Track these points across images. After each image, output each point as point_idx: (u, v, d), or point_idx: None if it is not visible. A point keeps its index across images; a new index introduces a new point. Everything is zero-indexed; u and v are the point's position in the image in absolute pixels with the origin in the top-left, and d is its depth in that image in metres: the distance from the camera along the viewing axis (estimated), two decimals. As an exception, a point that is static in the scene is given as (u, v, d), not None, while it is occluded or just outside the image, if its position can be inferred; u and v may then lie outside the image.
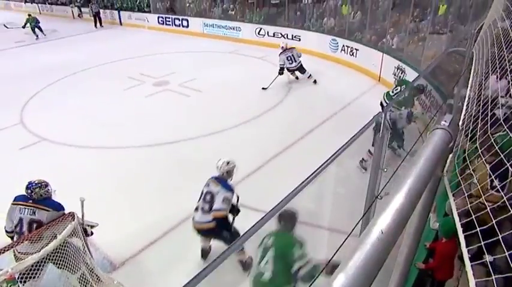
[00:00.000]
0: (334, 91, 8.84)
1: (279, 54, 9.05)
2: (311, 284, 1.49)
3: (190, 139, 6.77)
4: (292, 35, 12.29)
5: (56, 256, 3.14)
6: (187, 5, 16.31)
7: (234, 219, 3.98)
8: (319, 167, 1.31)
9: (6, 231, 3.46)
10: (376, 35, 10.33)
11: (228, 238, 3.87)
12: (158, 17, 16.76)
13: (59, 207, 3.44)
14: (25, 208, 3.33)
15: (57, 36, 17.78)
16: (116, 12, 19.20)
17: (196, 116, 7.77)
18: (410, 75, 7.85)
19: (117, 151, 6.59)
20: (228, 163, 4.06)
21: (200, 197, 3.99)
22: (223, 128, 7.10)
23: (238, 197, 4.05)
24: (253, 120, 7.44)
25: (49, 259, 3.10)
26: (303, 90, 9.03)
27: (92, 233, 3.75)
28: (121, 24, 18.84)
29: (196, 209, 3.97)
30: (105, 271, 3.86)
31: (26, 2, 27.49)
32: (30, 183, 3.40)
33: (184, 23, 15.59)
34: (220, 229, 3.88)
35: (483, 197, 1.30)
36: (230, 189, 3.92)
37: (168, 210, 4.87)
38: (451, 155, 1.30)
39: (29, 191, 3.36)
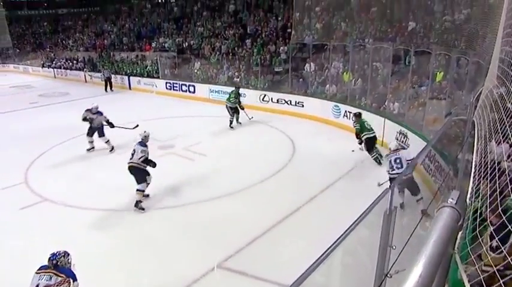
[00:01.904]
0: (338, 156, 8.83)
1: None
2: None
3: (192, 203, 6.70)
4: (296, 101, 12.64)
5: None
6: (195, 71, 17.05)
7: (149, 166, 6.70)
8: (328, 248, 1.26)
9: None
10: (377, 101, 10.63)
11: (143, 177, 6.64)
12: (166, 83, 17.47)
13: (73, 277, 3.62)
14: (44, 274, 3.55)
15: (69, 99, 18.44)
16: (126, 77, 20.10)
17: (200, 180, 7.74)
18: (413, 139, 7.94)
19: (117, 214, 6.50)
20: (144, 131, 7.01)
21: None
22: (226, 192, 7.05)
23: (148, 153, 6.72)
24: (258, 185, 7.38)
25: None
26: (308, 155, 9.07)
27: None
28: (130, 88, 19.58)
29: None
30: None
31: (43, 67, 28.96)
32: (53, 254, 3.67)
33: (191, 88, 16.21)
34: (139, 169, 6.61)
35: (483, 262, 1.24)
36: (144, 145, 6.75)
37: (167, 277, 4.70)
38: (460, 233, 1.25)
39: (54, 261, 3.62)
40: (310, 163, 8.68)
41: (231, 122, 11.50)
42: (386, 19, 12.73)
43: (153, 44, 21.72)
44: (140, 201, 6.56)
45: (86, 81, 23.55)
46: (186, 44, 19.72)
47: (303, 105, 12.42)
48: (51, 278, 3.53)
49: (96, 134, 9.66)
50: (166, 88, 17.44)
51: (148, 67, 19.38)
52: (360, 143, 8.56)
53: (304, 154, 9.12)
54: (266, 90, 13.80)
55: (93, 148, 9.80)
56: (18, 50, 35.13)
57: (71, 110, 15.29)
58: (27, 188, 7.70)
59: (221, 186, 7.34)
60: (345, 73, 12.16)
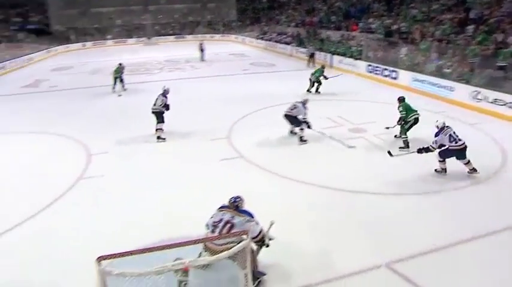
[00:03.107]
0: None
1: None
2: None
3: (367, 193, 6.60)
4: (519, 105, 10.66)
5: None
6: (401, 56, 16.17)
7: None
8: None
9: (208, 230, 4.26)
10: None
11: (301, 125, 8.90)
12: (368, 65, 17.19)
13: (250, 215, 4.25)
14: (227, 212, 4.19)
15: (275, 70, 20.35)
16: (329, 55, 20.67)
17: (385, 172, 7.51)
18: None
19: (295, 185, 6.96)
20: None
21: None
22: (410, 191, 6.69)
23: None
24: (451, 192, 6.65)
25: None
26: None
27: (268, 245, 4.31)
28: (331, 66, 20.14)
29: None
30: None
31: (257, 38, 32.54)
32: (234, 197, 4.34)
33: (393, 74, 15.49)
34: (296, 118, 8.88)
35: None
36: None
37: (334, 262, 4.87)
38: None
39: (235, 203, 4.28)
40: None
41: (308, 91, 14.22)
42: None
43: (360, 25, 21.54)
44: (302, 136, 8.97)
45: (291, 55, 25.34)
46: (396, 26, 18.81)
47: (527, 113, 10.40)
48: (233, 217, 4.10)
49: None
50: (368, 71, 17.18)
51: (352, 48, 19.41)
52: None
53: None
54: (481, 87, 11.99)
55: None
56: (240, 23, 40.32)
57: (275, 80, 16.95)
58: (229, 143, 9.10)
59: (407, 182, 6.99)
60: None
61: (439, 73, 13.88)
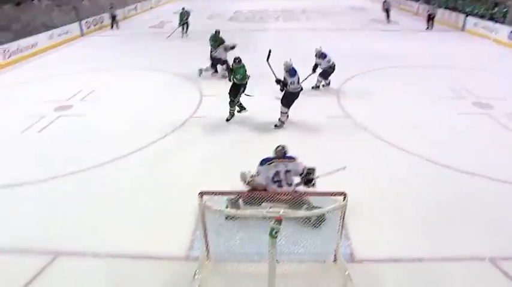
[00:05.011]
0: None
1: None
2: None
3: (481, 176, 5.80)
4: None
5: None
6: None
7: None
8: None
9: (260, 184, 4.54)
10: None
11: None
12: (510, 32, 14.61)
13: (294, 158, 4.61)
14: (279, 163, 4.49)
15: (396, 28, 18.82)
16: (462, 16, 18.07)
17: (508, 154, 6.55)
18: None
19: (402, 155, 6.50)
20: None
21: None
22: None
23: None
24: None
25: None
26: None
27: (314, 185, 4.57)
28: (463, 29, 17.68)
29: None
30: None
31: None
32: (281, 146, 4.65)
33: (544, 43, 12.95)
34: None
35: None
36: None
37: (429, 245, 4.48)
38: None
39: (283, 151, 4.61)
40: None
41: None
42: None
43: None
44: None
45: (416, 14, 22.90)
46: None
47: None
48: (286, 165, 4.46)
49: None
50: (509, 38, 14.61)
51: (496, 8, 16.50)
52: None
53: None
54: None
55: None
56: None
57: (394, 40, 15.64)
58: (337, 102, 8.92)
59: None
60: None
61: None
